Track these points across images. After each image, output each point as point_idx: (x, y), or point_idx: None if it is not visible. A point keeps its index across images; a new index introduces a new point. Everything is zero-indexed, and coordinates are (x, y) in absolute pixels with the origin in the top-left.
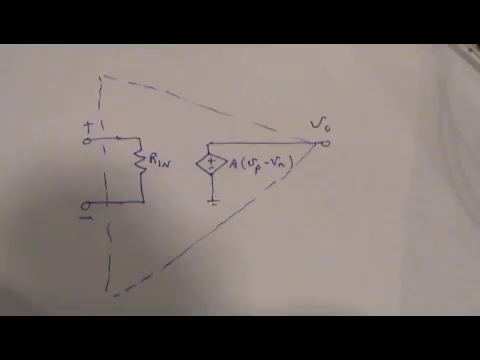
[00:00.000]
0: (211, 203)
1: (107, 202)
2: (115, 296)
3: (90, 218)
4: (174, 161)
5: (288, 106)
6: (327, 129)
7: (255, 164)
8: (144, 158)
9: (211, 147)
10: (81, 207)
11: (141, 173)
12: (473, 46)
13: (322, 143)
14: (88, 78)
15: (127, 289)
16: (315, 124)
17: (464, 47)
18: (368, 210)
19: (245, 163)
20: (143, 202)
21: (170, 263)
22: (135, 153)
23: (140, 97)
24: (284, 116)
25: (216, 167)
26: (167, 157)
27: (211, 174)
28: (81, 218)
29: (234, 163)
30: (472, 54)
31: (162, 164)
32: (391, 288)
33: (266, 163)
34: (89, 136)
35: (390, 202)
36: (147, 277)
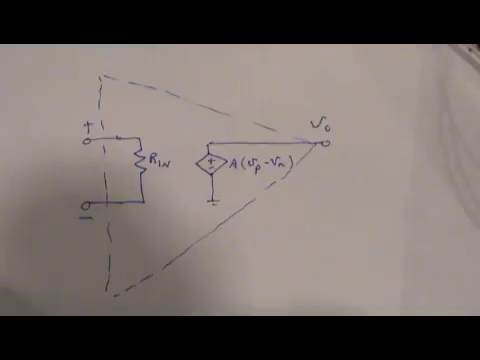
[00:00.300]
0: (211, 203)
1: (107, 202)
2: (115, 296)
3: (90, 218)
4: (174, 161)
5: (288, 106)
6: (327, 129)
7: (255, 164)
8: (144, 158)
9: (211, 147)
10: (81, 207)
11: (141, 173)
12: (473, 46)
13: (322, 143)
14: (88, 78)
15: (127, 289)
16: (315, 124)
17: (464, 47)
18: (368, 210)
19: (245, 163)
20: (143, 202)
21: (170, 263)
22: (135, 153)
23: (140, 97)
24: (284, 116)
25: (216, 167)
26: (167, 157)
27: (211, 174)
28: (81, 218)
29: (234, 163)
30: (472, 54)
31: (162, 164)
32: (391, 288)
33: (266, 163)
34: (89, 136)
35: (390, 202)
36: (147, 277)
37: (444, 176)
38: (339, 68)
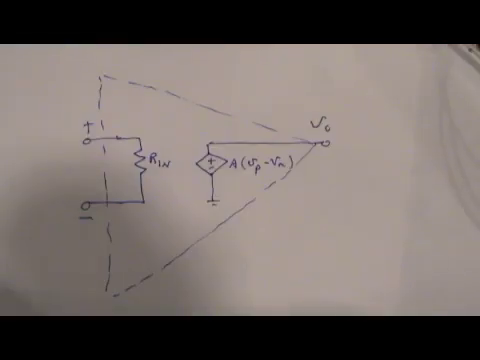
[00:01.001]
0: (211, 203)
1: (107, 202)
2: (115, 296)
3: (90, 218)
4: (174, 161)
5: (288, 106)
6: (327, 129)
7: (255, 164)
8: (144, 158)
9: (211, 147)
10: (81, 207)
11: (141, 173)
12: (473, 46)
13: (322, 143)
14: (88, 78)
15: (127, 289)
16: (315, 124)
17: (464, 47)
18: (368, 210)
19: (245, 163)
20: (143, 202)
21: (170, 263)
22: (135, 153)
23: (140, 97)
24: (284, 116)
25: (216, 167)
26: (167, 157)
27: (211, 174)
28: (81, 218)
29: (234, 163)
30: (472, 54)
31: (162, 164)
32: (391, 288)
33: (266, 163)
34: (89, 136)
35: (390, 202)
36: (147, 277)
37: (444, 176)
38: (339, 68)
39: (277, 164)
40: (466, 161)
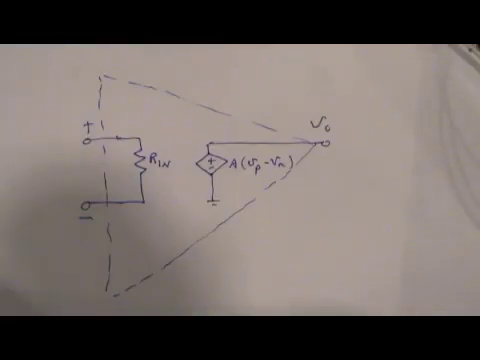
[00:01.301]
0: (211, 203)
1: (107, 202)
2: (115, 296)
3: (90, 218)
4: (174, 161)
5: (288, 106)
6: (327, 129)
7: (255, 164)
8: (144, 158)
9: (211, 147)
10: (81, 207)
11: (141, 173)
12: (473, 46)
13: (322, 143)
14: (88, 78)
15: (127, 289)
16: (315, 124)
17: (464, 47)
18: (368, 210)
19: (245, 163)
20: (143, 202)
21: (170, 263)
22: (135, 153)
23: (140, 97)
24: (284, 116)
25: (216, 167)
26: (167, 157)
27: (211, 174)
28: (81, 218)
29: (234, 163)
30: (472, 54)
31: (162, 164)
32: (391, 288)
33: (266, 163)
34: (89, 136)
35: (390, 202)
36: (147, 277)
37: (444, 176)
38: (339, 68)
39: (277, 164)
40: (466, 161)
